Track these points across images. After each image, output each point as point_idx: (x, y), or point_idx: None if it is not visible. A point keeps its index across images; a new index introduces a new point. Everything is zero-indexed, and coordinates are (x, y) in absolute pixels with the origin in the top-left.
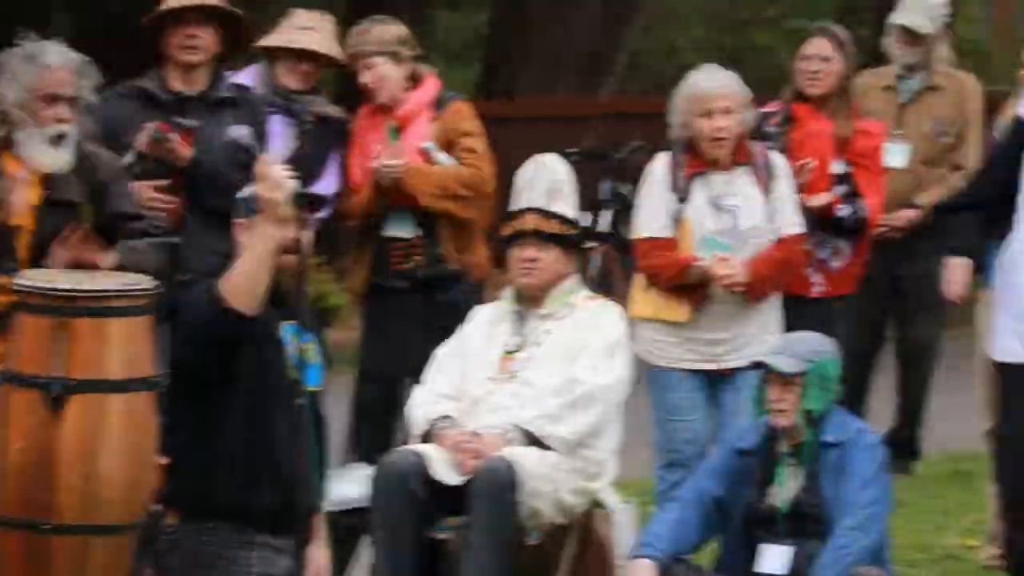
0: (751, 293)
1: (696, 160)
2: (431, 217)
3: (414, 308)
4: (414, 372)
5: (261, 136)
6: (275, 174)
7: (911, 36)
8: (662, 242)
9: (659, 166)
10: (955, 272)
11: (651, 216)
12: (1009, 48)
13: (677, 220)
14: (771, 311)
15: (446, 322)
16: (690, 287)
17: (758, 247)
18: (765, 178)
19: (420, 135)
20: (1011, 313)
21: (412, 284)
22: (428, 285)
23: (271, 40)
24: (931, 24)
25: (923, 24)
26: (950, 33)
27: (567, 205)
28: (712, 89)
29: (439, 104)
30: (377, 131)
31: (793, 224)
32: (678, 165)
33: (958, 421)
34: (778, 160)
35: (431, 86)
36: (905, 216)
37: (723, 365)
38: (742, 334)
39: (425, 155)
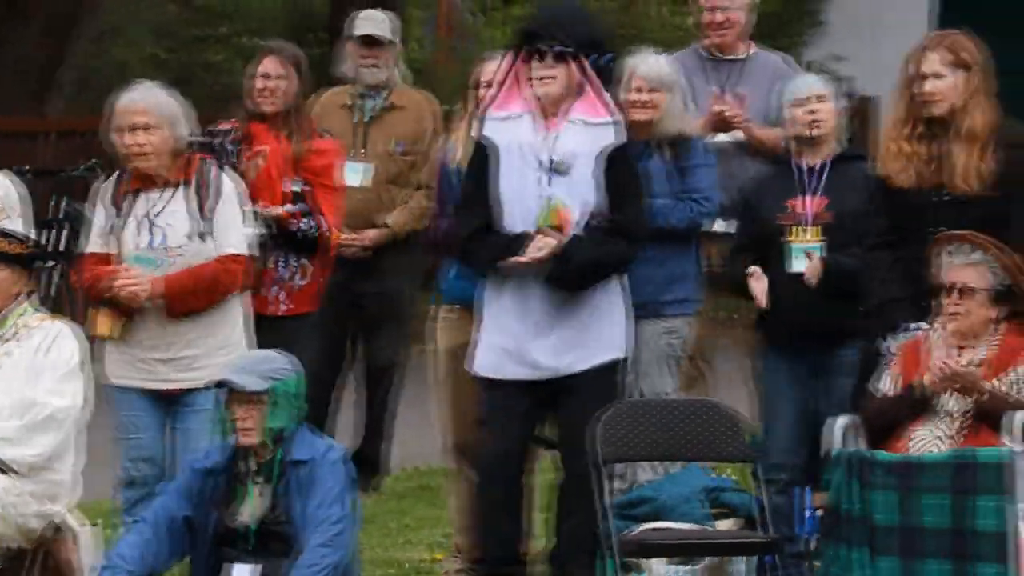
0: (168, 308)
1: (135, 177)
2: None
3: None
4: None
5: None
6: None
7: (374, 47)
8: (97, 258)
9: (105, 183)
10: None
11: (93, 233)
12: (453, 69)
13: (116, 237)
14: (226, 331)
15: None
16: (118, 303)
17: (188, 264)
18: (206, 196)
19: None
20: (494, 329)
21: None
22: None
23: None
24: (391, 35)
25: (384, 34)
26: (402, 52)
27: (19, 223)
28: (129, 105)
29: None
30: None
31: (231, 244)
32: (120, 182)
33: (422, 437)
34: (227, 179)
35: None
36: (369, 235)
37: (178, 385)
38: (193, 353)
39: None
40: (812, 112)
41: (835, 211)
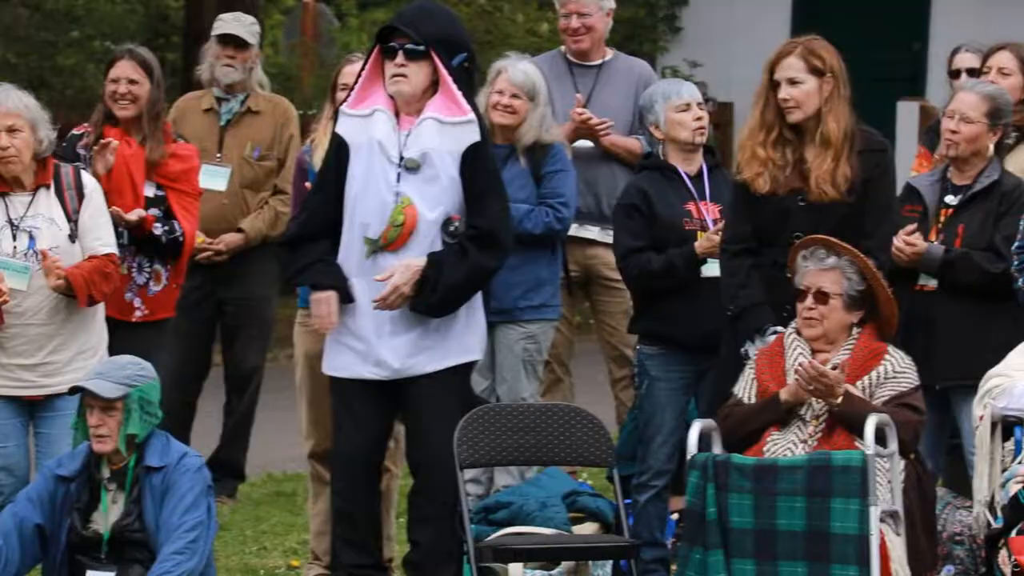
0: (80, 297)
1: None
2: None
3: None
4: None
5: None
6: None
7: (235, 47)
8: None
9: None
10: (320, 307)
11: None
12: (316, 73)
13: None
14: (90, 336)
15: None
16: None
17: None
18: (71, 199)
19: None
20: (345, 330)
21: None
22: None
23: None
24: (252, 38)
25: (248, 36)
26: (262, 57)
27: None
28: None
29: None
30: None
31: (103, 244)
32: None
33: (278, 443)
34: (89, 181)
35: None
36: (228, 240)
37: (44, 391)
38: (59, 359)
39: None
40: (699, 119)
41: None
